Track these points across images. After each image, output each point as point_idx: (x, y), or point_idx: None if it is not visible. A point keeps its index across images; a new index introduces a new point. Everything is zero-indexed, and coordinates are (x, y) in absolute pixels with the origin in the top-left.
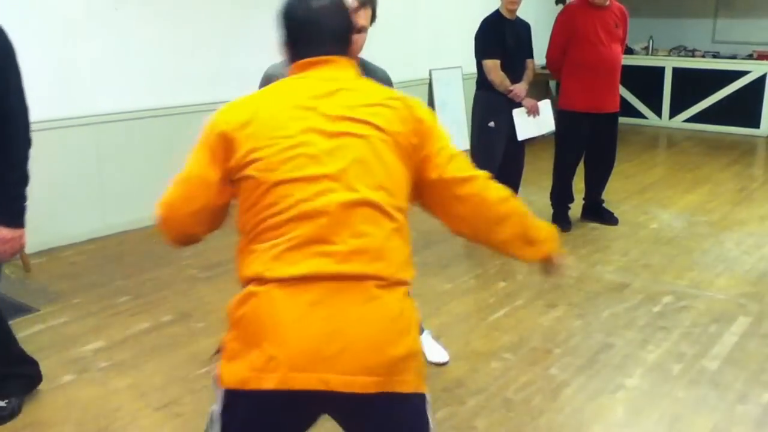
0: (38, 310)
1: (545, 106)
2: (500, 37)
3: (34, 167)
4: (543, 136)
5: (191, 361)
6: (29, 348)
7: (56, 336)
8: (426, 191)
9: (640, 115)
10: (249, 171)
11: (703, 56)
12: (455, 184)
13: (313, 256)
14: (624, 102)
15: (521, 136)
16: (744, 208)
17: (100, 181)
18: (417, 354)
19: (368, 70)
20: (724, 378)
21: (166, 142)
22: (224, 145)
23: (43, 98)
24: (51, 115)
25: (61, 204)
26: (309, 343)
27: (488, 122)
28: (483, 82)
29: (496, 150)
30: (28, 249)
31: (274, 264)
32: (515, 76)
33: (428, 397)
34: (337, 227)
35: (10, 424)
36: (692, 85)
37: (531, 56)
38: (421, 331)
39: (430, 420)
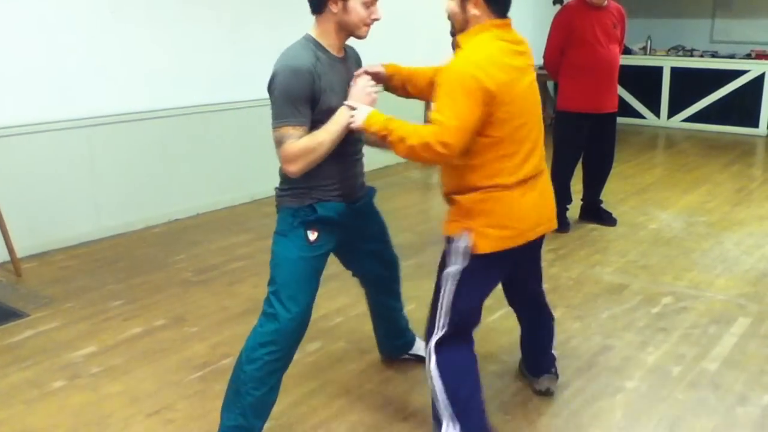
0: (29, 315)
1: None
2: None
3: (27, 170)
4: None
5: (184, 366)
6: (20, 353)
7: (47, 341)
8: None
9: (639, 116)
10: (497, 119)
11: (702, 56)
12: None
13: (529, 166)
14: (622, 102)
15: None
16: (743, 208)
17: (93, 185)
18: None
19: (347, 47)
20: (724, 380)
21: (159, 144)
22: (488, 99)
23: (37, 101)
24: (44, 118)
25: (54, 207)
26: (535, 215)
27: None
28: None
29: None
30: (20, 252)
31: (510, 176)
32: None
33: None
34: (536, 149)
35: (1, 431)
36: (691, 85)
37: None
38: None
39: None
